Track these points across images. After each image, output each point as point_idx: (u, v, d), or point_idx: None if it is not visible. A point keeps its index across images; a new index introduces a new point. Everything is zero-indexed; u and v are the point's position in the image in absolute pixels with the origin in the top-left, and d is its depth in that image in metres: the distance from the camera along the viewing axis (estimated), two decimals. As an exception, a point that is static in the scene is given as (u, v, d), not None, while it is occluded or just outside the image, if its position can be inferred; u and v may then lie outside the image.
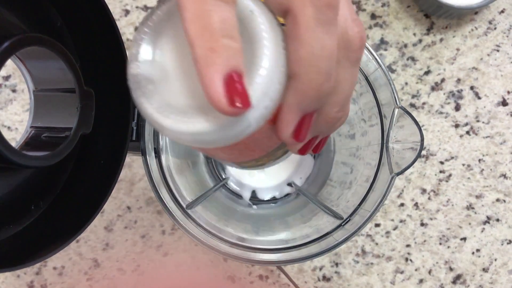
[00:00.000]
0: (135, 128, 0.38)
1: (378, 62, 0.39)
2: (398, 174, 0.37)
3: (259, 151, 0.30)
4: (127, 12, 0.57)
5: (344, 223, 0.40)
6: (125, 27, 0.57)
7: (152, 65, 0.26)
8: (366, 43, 0.37)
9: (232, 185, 0.55)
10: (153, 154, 0.39)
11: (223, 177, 0.55)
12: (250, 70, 0.23)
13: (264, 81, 0.23)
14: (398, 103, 0.38)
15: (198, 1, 0.22)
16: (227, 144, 0.25)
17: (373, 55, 0.39)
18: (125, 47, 0.36)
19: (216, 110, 0.22)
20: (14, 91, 0.57)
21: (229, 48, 0.22)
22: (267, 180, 0.56)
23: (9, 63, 0.57)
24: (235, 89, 0.22)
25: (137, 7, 0.57)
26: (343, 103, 0.27)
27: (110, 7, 0.35)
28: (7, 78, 0.57)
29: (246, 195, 0.55)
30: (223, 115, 0.23)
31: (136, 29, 0.57)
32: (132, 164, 0.58)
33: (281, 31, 0.25)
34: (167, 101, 0.25)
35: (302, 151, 0.30)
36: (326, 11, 0.23)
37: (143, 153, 0.38)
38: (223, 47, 0.22)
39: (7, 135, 0.57)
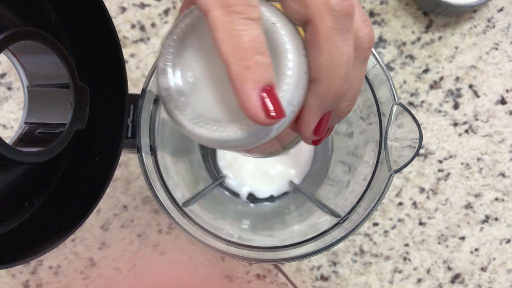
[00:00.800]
0: (130, 124, 0.37)
1: (376, 58, 0.38)
2: (397, 171, 0.37)
3: (278, 145, 0.33)
4: (123, 9, 0.57)
5: (342, 221, 0.40)
6: (122, 25, 0.57)
7: (182, 77, 0.28)
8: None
9: (229, 183, 0.55)
10: (149, 151, 0.39)
11: (220, 175, 0.55)
12: (277, 80, 0.25)
13: (290, 89, 0.25)
14: (396, 99, 0.37)
15: (229, 21, 0.24)
16: (255, 146, 0.27)
17: (371, 51, 0.38)
18: (121, 44, 0.36)
19: (253, 121, 0.24)
20: (9, 88, 0.57)
21: (261, 64, 0.24)
22: (264, 178, 0.55)
23: (5, 60, 0.57)
24: (271, 101, 0.24)
25: (133, 4, 0.57)
26: (354, 98, 0.29)
27: (106, 4, 0.34)
28: (2, 75, 0.57)
29: (244, 193, 0.55)
30: (255, 123, 0.25)
31: (132, 27, 0.57)
32: (129, 162, 0.57)
33: (301, 39, 0.26)
34: (199, 112, 0.27)
35: (316, 142, 0.32)
36: (344, 20, 0.25)
37: (139, 150, 0.38)
38: (256, 64, 0.24)
39: (3, 133, 0.56)
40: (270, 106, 0.24)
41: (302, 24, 0.26)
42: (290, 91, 0.25)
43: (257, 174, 0.55)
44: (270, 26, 0.26)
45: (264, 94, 0.24)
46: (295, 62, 0.25)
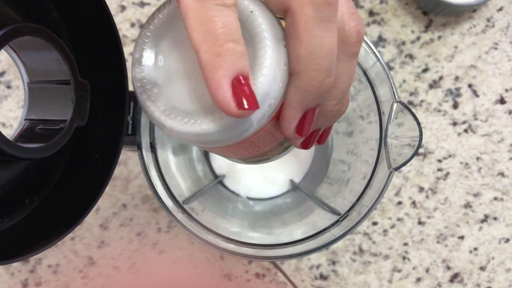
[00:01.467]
0: (130, 122, 0.37)
1: (376, 56, 0.38)
2: (396, 169, 0.37)
3: (264, 147, 0.30)
4: (123, 8, 0.57)
5: (341, 219, 0.40)
6: (121, 23, 0.57)
7: (156, 68, 0.27)
8: (366, 38, 0.37)
9: (229, 182, 0.55)
10: (149, 148, 0.39)
11: (220, 173, 0.55)
12: (253, 70, 0.24)
13: (267, 81, 0.24)
14: (397, 97, 0.37)
15: (200, 8, 0.22)
16: (232, 143, 0.26)
17: (371, 49, 0.38)
18: (121, 42, 0.36)
19: (224, 113, 0.23)
20: (9, 87, 0.57)
21: (234, 51, 0.23)
22: (264, 177, 0.55)
23: (4, 58, 0.57)
24: (243, 91, 0.23)
25: (133, 3, 0.57)
26: (341, 96, 0.27)
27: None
28: (1, 74, 0.57)
29: (243, 192, 0.54)
30: (228, 116, 0.23)
31: (132, 25, 0.57)
32: (128, 161, 0.57)
33: (282, 29, 0.25)
34: (172, 104, 0.26)
35: (305, 145, 0.30)
36: (325, 9, 0.24)
37: (139, 147, 0.38)
38: (228, 51, 0.22)
39: (2, 132, 0.56)
40: (242, 96, 0.23)
41: (282, 13, 0.25)
42: (267, 83, 0.24)
43: (256, 173, 0.55)
44: (248, 14, 0.25)
45: (237, 84, 0.23)
46: (273, 52, 0.24)
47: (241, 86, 0.23)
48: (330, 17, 0.24)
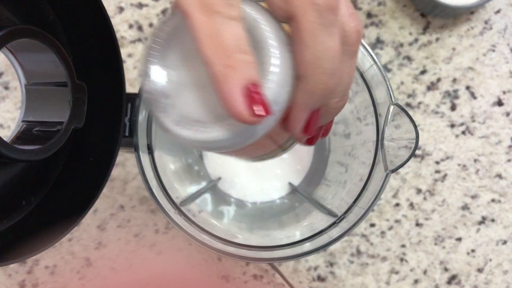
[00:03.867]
0: (127, 123, 0.37)
1: (373, 59, 0.38)
2: (393, 171, 0.37)
3: (270, 146, 0.32)
4: (121, 9, 0.57)
5: (338, 221, 0.40)
6: (119, 24, 0.57)
7: (165, 79, 0.27)
8: (362, 41, 0.37)
9: (226, 184, 0.55)
10: (146, 150, 0.39)
11: (214, 177, 0.55)
12: (261, 77, 0.25)
13: (275, 86, 0.25)
14: (393, 100, 0.38)
15: (208, 21, 0.23)
16: (242, 147, 0.27)
17: (368, 52, 0.38)
18: (119, 44, 0.36)
19: (237, 121, 0.24)
20: (6, 88, 0.57)
21: (243, 62, 0.24)
22: (263, 181, 0.55)
23: (2, 60, 0.57)
24: (254, 99, 0.24)
25: (131, 4, 0.57)
26: (343, 94, 0.29)
27: (104, 4, 0.34)
28: None
29: (240, 194, 0.54)
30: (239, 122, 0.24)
31: (130, 27, 0.57)
32: (126, 162, 0.57)
33: (285, 35, 0.26)
34: (182, 113, 0.27)
35: (310, 142, 0.32)
36: (327, 15, 0.25)
37: (136, 149, 0.38)
38: (238, 62, 0.24)
39: (0, 133, 0.56)
40: (255, 104, 0.24)
41: (286, 20, 0.25)
42: (274, 89, 0.25)
43: (254, 175, 0.55)
44: (252, 23, 0.25)
45: (248, 93, 0.23)
46: (279, 58, 0.25)
47: (253, 95, 0.24)
48: (332, 21, 0.25)
